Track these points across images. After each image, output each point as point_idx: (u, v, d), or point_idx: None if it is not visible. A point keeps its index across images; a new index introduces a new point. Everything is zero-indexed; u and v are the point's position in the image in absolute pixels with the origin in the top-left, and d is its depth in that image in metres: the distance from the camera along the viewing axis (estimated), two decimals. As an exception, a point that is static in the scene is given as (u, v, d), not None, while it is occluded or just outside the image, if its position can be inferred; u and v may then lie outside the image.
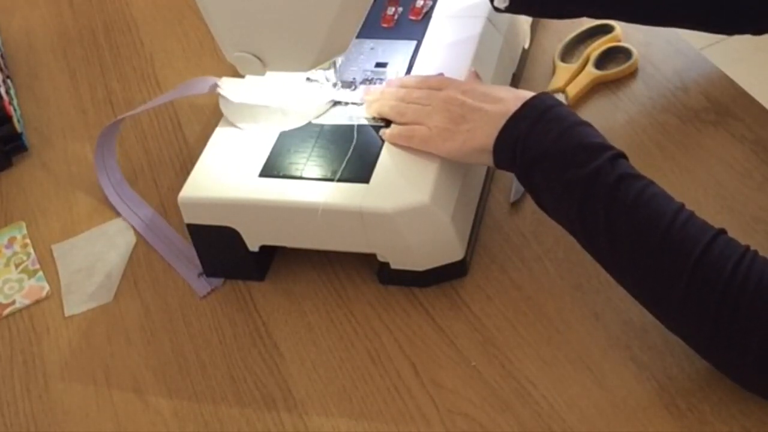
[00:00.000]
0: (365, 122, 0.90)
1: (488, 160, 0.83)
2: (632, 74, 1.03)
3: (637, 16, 0.96)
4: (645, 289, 0.74)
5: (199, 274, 0.93)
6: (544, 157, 0.78)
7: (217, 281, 0.93)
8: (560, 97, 1.01)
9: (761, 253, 0.70)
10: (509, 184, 0.94)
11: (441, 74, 0.91)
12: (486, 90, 0.85)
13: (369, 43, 0.98)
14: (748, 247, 0.70)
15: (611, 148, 0.77)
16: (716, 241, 0.70)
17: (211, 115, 1.11)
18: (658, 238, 0.72)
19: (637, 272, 0.74)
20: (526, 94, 0.82)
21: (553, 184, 0.78)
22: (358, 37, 0.89)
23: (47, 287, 0.98)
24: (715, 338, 0.70)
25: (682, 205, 0.73)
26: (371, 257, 0.87)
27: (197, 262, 0.94)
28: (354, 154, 0.87)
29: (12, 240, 1.04)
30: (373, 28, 0.99)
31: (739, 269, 0.68)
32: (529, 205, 0.93)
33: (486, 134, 0.81)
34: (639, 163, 0.93)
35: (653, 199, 0.74)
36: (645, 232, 0.72)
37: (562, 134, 0.78)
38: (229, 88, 0.94)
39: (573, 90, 1.01)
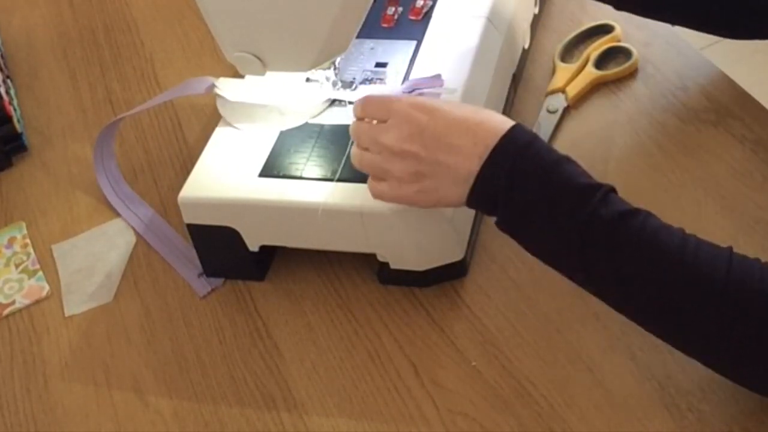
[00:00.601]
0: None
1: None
2: (632, 74, 1.03)
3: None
4: (673, 327, 0.70)
5: (199, 274, 0.93)
6: (531, 210, 0.72)
7: (217, 281, 0.93)
8: (560, 97, 1.01)
9: (761, 253, 0.70)
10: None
11: (377, 96, 0.82)
12: (437, 130, 0.75)
13: (369, 43, 0.98)
14: (759, 260, 0.68)
15: (599, 185, 0.71)
16: (733, 260, 0.67)
17: (211, 115, 1.11)
18: (674, 272, 0.67)
19: (661, 313, 0.69)
20: (485, 136, 0.73)
21: (544, 236, 0.72)
22: (358, 37, 0.89)
23: (47, 287, 0.98)
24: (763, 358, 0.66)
25: (683, 231, 0.70)
26: (371, 257, 0.87)
27: (197, 262, 0.94)
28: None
29: (12, 240, 1.04)
30: (373, 28, 0.99)
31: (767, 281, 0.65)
32: (529, 205, 0.93)
33: (456, 194, 0.75)
34: (639, 163, 0.94)
35: (656, 234, 0.69)
36: (658, 270, 0.68)
37: (545, 181, 0.71)
38: (226, 88, 0.94)
39: (573, 90, 1.01)
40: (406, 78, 0.93)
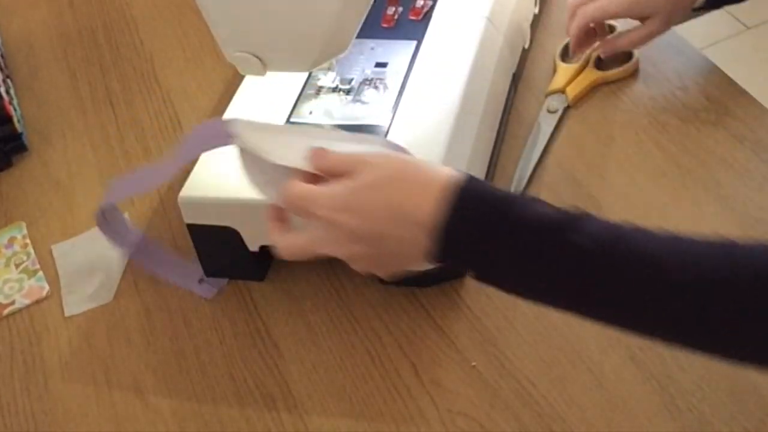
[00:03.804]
0: (366, 122, 0.90)
1: None
2: (632, 74, 1.03)
3: None
4: (702, 337, 0.61)
5: (200, 280, 0.93)
6: (507, 265, 0.64)
7: (221, 281, 0.93)
8: (561, 97, 1.01)
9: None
10: (510, 181, 0.94)
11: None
12: (369, 229, 0.67)
13: (369, 43, 0.98)
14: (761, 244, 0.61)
15: (565, 216, 0.63)
16: (735, 249, 0.60)
17: (211, 115, 1.11)
18: (682, 282, 0.59)
19: (683, 329, 0.61)
20: (419, 221, 0.64)
21: (528, 285, 0.65)
22: (358, 37, 0.89)
23: (47, 287, 0.98)
24: None
25: (668, 233, 0.62)
26: (371, 257, 0.87)
27: (195, 267, 0.93)
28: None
29: (12, 240, 1.04)
30: (373, 28, 0.99)
31: None
32: (529, 205, 0.93)
33: (418, 257, 0.67)
34: (639, 162, 0.94)
35: (637, 247, 0.61)
36: (660, 288, 0.60)
37: (508, 233, 0.63)
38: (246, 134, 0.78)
39: (573, 90, 1.01)
40: (405, 78, 0.93)
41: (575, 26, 1.00)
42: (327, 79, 0.95)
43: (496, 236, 0.63)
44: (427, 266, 0.68)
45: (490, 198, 0.64)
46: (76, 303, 0.96)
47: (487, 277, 0.66)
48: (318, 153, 0.71)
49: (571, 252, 0.61)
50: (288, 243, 0.72)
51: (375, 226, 0.67)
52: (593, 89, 1.02)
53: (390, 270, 0.71)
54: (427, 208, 0.64)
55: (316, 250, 0.71)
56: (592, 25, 1.01)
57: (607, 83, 1.02)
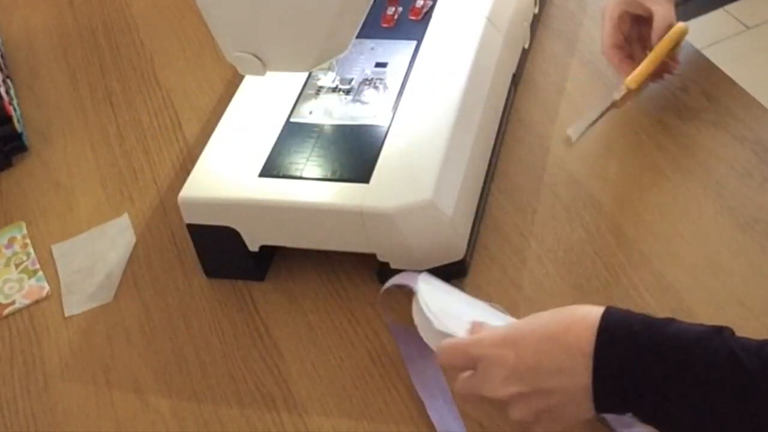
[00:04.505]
0: (366, 122, 0.90)
1: None
2: None
3: None
4: None
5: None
6: (671, 391, 0.63)
7: None
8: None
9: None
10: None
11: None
12: (528, 362, 0.67)
13: (369, 43, 0.98)
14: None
15: (718, 331, 0.63)
16: None
17: (211, 115, 1.11)
18: None
19: None
20: (579, 345, 0.65)
21: (700, 417, 0.63)
22: (358, 37, 0.89)
23: (47, 287, 0.98)
24: None
25: None
26: (371, 257, 0.87)
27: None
28: (354, 154, 0.87)
29: (12, 240, 1.04)
30: (373, 28, 0.99)
31: None
32: (529, 205, 0.93)
33: (582, 412, 0.67)
34: (639, 163, 0.94)
35: None
36: None
37: (668, 358, 0.63)
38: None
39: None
40: (405, 78, 0.93)
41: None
42: (327, 79, 0.95)
43: (648, 370, 0.63)
44: (586, 412, 0.66)
45: (637, 321, 0.65)
46: (76, 303, 0.96)
47: (652, 414, 0.64)
48: (477, 326, 0.73)
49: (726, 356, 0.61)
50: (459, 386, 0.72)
51: (537, 358, 0.66)
52: (593, 89, 1.02)
53: (556, 428, 0.69)
54: (581, 359, 0.64)
55: (478, 391, 0.70)
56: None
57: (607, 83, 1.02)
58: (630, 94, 0.93)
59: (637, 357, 0.63)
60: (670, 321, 0.65)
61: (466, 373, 0.71)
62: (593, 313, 0.66)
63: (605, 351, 0.64)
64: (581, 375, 0.64)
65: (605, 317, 0.65)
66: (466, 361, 0.70)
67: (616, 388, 0.64)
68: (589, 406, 0.65)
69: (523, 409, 0.68)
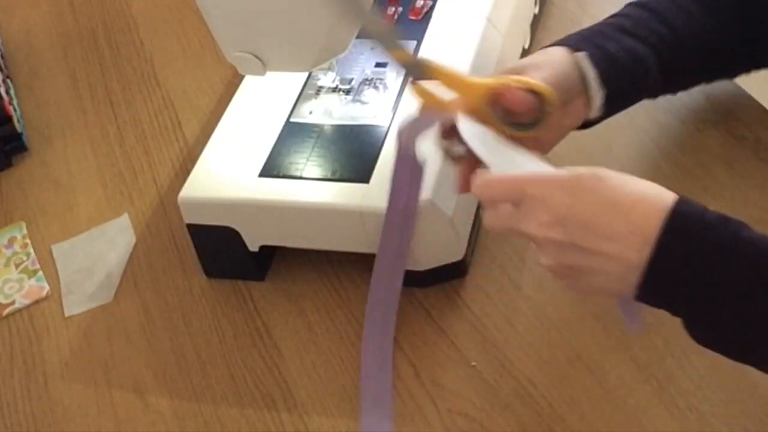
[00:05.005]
0: (366, 122, 0.90)
1: None
2: None
3: None
4: None
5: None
6: (729, 300, 0.58)
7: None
8: None
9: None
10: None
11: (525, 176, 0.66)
12: (583, 216, 0.61)
13: (369, 43, 0.98)
14: None
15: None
16: None
17: (211, 115, 1.11)
18: None
19: None
20: (642, 221, 0.59)
21: (746, 327, 0.59)
22: (358, 37, 0.89)
23: (47, 287, 0.98)
24: None
25: None
26: (371, 257, 0.87)
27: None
28: (354, 154, 0.87)
29: (12, 240, 1.04)
30: (373, 28, 0.99)
31: None
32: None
33: (617, 288, 0.62)
34: (639, 163, 0.94)
35: None
36: None
37: (737, 262, 0.58)
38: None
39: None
40: (405, 80, 0.93)
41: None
42: (327, 79, 0.95)
43: (711, 270, 0.58)
44: (621, 290, 0.62)
45: (712, 215, 0.60)
46: (76, 303, 0.96)
47: (700, 321, 0.60)
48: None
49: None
50: (489, 220, 0.66)
51: (587, 213, 0.61)
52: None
53: (581, 279, 0.63)
54: (639, 238, 0.59)
55: (515, 225, 0.64)
56: None
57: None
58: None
59: (706, 250, 0.58)
60: (744, 225, 0.59)
61: (505, 206, 0.64)
62: (667, 196, 0.60)
63: (673, 235, 0.58)
64: (631, 252, 0.59)
65: (680, 202, 0.59)
66: (514, 196, 0.64)
67: (671, 277, 0.59)
68: (628, 287, 0.60)
69: (556, 258, 0.63)
